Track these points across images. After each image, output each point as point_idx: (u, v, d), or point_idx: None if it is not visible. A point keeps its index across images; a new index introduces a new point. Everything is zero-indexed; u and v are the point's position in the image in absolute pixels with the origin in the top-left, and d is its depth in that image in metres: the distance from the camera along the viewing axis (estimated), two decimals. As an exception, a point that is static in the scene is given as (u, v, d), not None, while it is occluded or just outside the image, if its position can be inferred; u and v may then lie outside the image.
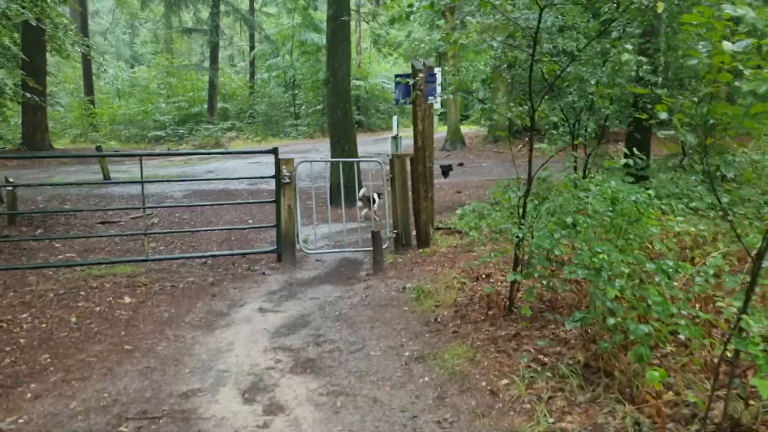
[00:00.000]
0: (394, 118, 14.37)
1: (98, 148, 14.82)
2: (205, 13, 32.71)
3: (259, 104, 35.83)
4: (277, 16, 39.11)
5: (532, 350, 4.25)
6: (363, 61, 39.93)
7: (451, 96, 24.26)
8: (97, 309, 5.76)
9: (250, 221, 10.78)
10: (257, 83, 38.05)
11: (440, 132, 34.62)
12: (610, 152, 11.37)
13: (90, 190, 14.23)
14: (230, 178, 10.24)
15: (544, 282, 4.72)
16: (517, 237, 4.77)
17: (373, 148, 25.67)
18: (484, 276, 6.15)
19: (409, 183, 7.67)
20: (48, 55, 27.49)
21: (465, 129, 29.23)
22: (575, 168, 11.42)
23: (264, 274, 7.03)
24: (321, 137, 33.97)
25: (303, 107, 36.83)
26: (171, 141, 30.17)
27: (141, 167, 7.24)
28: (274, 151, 7.03)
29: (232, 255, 7.60)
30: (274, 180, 7.20)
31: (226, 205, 12.41)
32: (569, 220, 4.76)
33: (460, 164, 19.25)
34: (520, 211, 5.13)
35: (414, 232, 7.88)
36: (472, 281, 6.06)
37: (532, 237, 4.78)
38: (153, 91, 36.93)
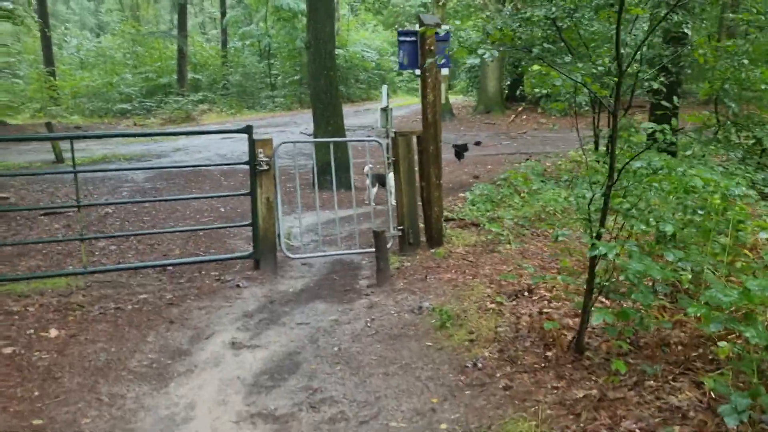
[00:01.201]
0: (384, 87, 12.77)
1: (48, 126, 13.11)
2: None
3: (233, 75, 33.80)
4: (250, -20, 36.90)
5: (637, 431, 2.86)
6: (341, 28, 37.96)
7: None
8: (9, 350, 4.24)
9: (222, 210, 9.25)
10: (230, 52, 35.93)
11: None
12: (635, 124, 9.97)
13: (38, 173, 12.52)
14: (200, 165, 8.66)
15: (637, 318, 3.32)
16: (597, 254, 3.33)
17: (355, 120, 24.09)
18: (524, 292, 4.73)
19: (416, 167, 6.20)
20: (-1, 22, 25.40)
21: (452, 98, 27.66)
22: (596, 143, 10.03)
23: (238, 286, 5.55)
24: (299, 109, 32.18)
25: (279, 78, 34.89)
26: (138, 114, 28.20)
27: (72, 152, 5.63)
28: (248, 131, 5.49)
29: (199, 263, 6.08)
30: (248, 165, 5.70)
31: (196, 190, 10.84)
32: (668, 228, 3.34)
33: (477, 143, 16.82)
34: (595, 215, 3.67)
35: (422, 228, 6.43)
36: (510, 299, 4.65)
37: (618, 255, 3.34)
38: (118, 61, 34.69)
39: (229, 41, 36.93)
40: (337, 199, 9.64)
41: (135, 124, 25.92)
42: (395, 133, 6.11)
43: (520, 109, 24.45)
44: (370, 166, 10.72)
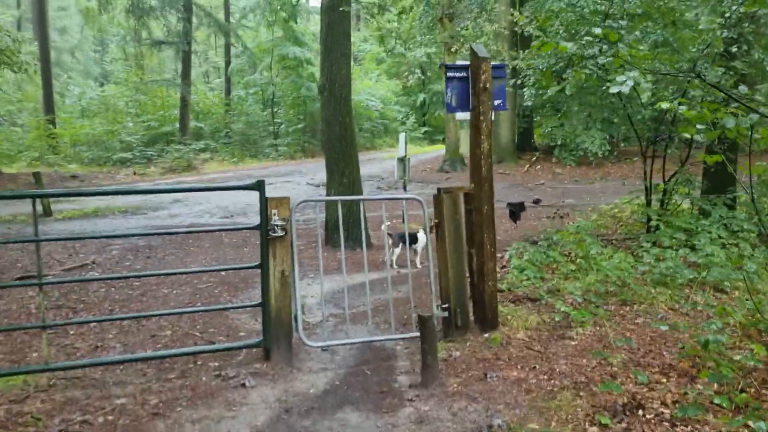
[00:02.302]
0: (402, 135, 11.80)
1: (35, 176, 12.02)
2: (175, 22, 29.96)
3: (236, 123, 33.07)
4: (255, 29, 36.59)
5: None
6: (347, 76, 37.42)
7: (451, 111, 21.77)
8: None
9: (224, 273, 8.06)
10: (233, 100, 35.33)
11: (436, 151, 32.26)
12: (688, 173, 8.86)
13: (24, 227, 11.39)
14: (201, 230, 7.54)
15: None
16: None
17: (364, 170, 23.11)
18: (634, 408, 3.51)
19: (464, 231, 5.04)
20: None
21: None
22: (647, 194, 8.92)
23: (244, 385, 4.32)
24: (303, 158, 31.34)
25: (283, 126, 34.19)
26: (138, 163, 27.28)
27: (35, 216, 4.47)
28: (259, 187, 4.36)
29: (194, 354, 4.85)
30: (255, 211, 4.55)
31: (194, 248, 9.68)
32: None
33: (536, 201, 14.45)
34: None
35: (468, 304, 5.24)
36: (617, 419, 3.42)
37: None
38: (120, 109, 34.01)
39: (233, 90, 36.40)
40: (352, 261, 8.50)
41: (135, 174, 24.96)
42: (438, 189, 4.99)
43: (533, 158, 23.51)
44: (388, 224, 9.59)
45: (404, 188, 11.61)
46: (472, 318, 5.15)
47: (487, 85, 4.68)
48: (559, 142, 22.38)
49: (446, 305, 4.95)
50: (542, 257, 6.85)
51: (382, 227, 10.26)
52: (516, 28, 21.30)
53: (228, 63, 35.36)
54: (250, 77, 35.76)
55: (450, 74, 4.79)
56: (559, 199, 15.34)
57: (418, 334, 4.86)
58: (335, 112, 9.47)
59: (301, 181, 19.57)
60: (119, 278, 7.12)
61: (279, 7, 31.07)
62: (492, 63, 4.72)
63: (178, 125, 30.48)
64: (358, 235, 9.48)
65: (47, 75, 30.50)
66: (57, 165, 26.16)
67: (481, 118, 4.73)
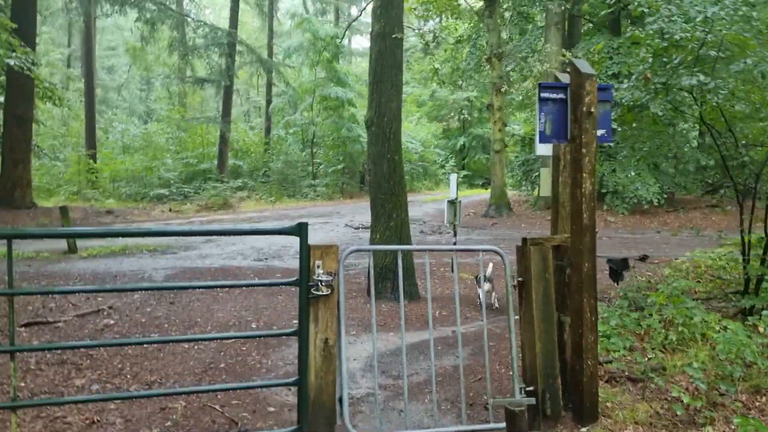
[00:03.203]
0: (452, 176, 10.84)
1: (62, 211, 11.36)
2: (217, 59, 29.88)
3: (275, 162, 32.65)
4: (297, 69, 36.49)
5: None
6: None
7: (497, 152, 20.89)
8: None
9: (254, 325, 7.09)
10: (273, 139, 35.03)
11: (477, 195, 31.19)
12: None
13: (45, 265, 10.65)
14: (229, 284, 6.68)
15: None
16: None
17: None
18: None
19: (553, 293, 3.98)
20: (41, 103, 24.74)
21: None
22: (745, 248, 7.69)
23: (270, 491, 3.29)
24: (341, 199, 30.62)
25: (322, 166, 33.66)
26: (175, 200, 26.89)
27: (9, 262, 3.53)
28: (300, 232, 3.39)
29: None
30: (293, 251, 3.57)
31: (224, 293, 8.76)
32: None
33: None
34: None
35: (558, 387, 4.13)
36: None
37: None
38: (161, 146, 33.97)
39: (273, 129, 36.17)
40: (398, 316, 7.46)
41: (170, 210, 24.50)
42: (524, 239, 3.96)
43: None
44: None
45: (454, 233, 10.58)
46: (562, 403, 4.04)
47: (592, 110, 3.68)
48: (611, 189, 21.22)
49: (531, 388, 3.85)
50: (631, 322, 5.71)
51: (483, 276, 9.21)
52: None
53: (269, 102, 35.21)
54: (291, 117, 35.52)
55: (545, 95, 3.80)
56: (635, 252, 14.08)
57: (495, 426, 3.77)
58: (383, 148, 8.58)
59: (340, 222, 18.70)
60: (127, 344, 6.17)
61: (323, 48, 30.83)
62: (598, 83, 3.73)
63: (216, 162, 30.16)
64: (407, 286, 8.50)
65: (91, 111, 30.69)
66: (94, 200, 25.91)
67: (584, 150, 3.71)
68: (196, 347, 6.13)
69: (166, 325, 7.02)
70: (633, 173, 20.44)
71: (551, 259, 3.95)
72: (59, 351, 5.91)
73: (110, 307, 7.68)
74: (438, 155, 46.30)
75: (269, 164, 32.57)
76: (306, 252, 3.44)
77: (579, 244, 3.76)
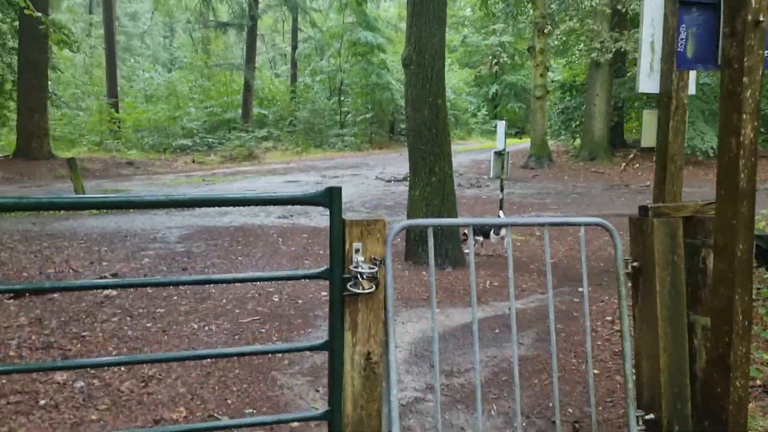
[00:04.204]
0: (500, 123, 9.62)
1: (70, 162, 10.40)
2: (240, 0, 28.41)
3: (301, 111, 31.40)
4: (324, 13, 34.81)
5: None
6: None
7: (538, 98, 19.43)
8: None
9: (276, 298, 6.10)
10: (299, 87, 33.70)
11: (512, 144, 29.74)
12: None
13: (48, 222, 9.78)
14: (245, 278, 5.64)
15: None
16: None
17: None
18: None
19: (684, 286, 2.84)
20: (59, 50, 23.76)
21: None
22: None
23: None
24: (370, 149, 29.41)
25: (350, 115, 32.34)
26: (198, 151, 25.97)
27: None
28: (330, 201, 2.29)
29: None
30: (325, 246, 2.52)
31: (243, 257, 7.80)
32: None
33: None
34: None
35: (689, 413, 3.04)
36: None
37: None
38: (184, 95, 32.91)
39: (299, 76, 34.80)
40: (442, 287, 6.39)
41: (194, 161, 23.63)
42: (643, 207, 2.82)
43: (631, 156, 20.77)
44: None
45: (501, 188, 9.41)
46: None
47: (761, 18, 2.47)
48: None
49: (651, 415, 2.77)
50: None
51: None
52: (618, 6, 18.74)
53: (294, 47, 33.75)
54: (318, 64, 34.08)
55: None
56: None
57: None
58: (424, 90, 7.38)
59: (370, 174, 17.60)
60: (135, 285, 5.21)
61: (352, -11, 29.17)
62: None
63: (240, 112, 29.07)
64: (451, 250, 7.43)
65: (111, 58, 29.67)
66: (116, 151, 25.09)
67: (745, 79, 2.52)
68: (207, 328, 5.16)
69: (176, 297, 6.07)
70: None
71: (681, 236, 2.80)
72: (46, 332, 5.01)
73: (114, 275, 6.76)
74: (470, 103, 44.62)
75: (295, 113, 31.37)
76: (339, 230, 2.35)
77: (730, 215, 2.60)
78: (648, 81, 3.82)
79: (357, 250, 2.39)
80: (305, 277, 2.46)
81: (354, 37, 29.84)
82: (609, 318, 5.39)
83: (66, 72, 32.75)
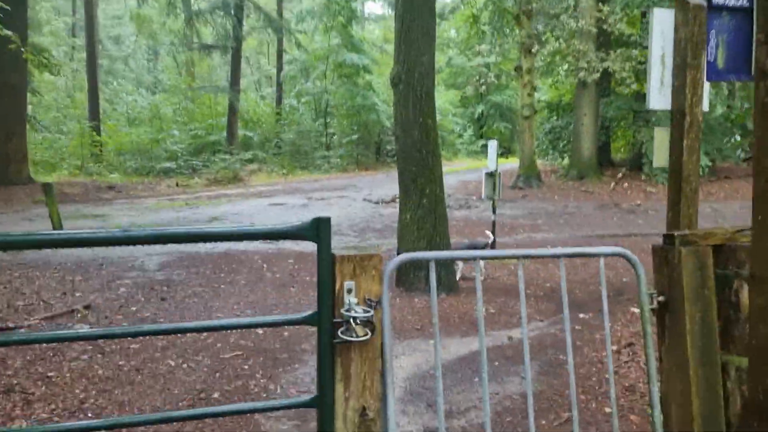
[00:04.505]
0: (491, 143, 9.37)
1: (45, 189, 9.97)
2: (225, 23, 28.21)
3: (287, 133, 31.12)
4: (309, 35, 34.72)
5: None
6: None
7: (526, 118, 19.31)
8: None
9: (261, 331, 5.74)
10: (285, 109, 33.47)
11: (506, 163, 29.60)
12: None
13: (23, 252, 9.35)
14: (229, 327, 5.16)
15: None
16: None
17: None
18: None
19: (716, 322, 2.54)
20: (38, 72, 23.44)
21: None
22: None
23: None
24: (356, 171, 29.16)
25: (336, 137, 32.10)
26: (183, 174, 25.54)
27: None
28: (317, 232, 1.97)
29: None
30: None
31: (226, 285, 7.44)
32: None
33: None
34: None
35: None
36: None
37: None
38: (168, 117, 32.53)
39: (285, 98, 34.59)
40: (444, 315, 6.06)
41: (177, 184, 23.18)
42: (669, 236, 2.52)
43: (620, 175, 20.66)
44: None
45: (493, 210, 9.13)
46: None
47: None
48: (650, 158, 19.58)
49: (683, 470, 2.45)
50: None
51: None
52: (604, 26, 18.73)
53: (280, 69, 33.55)
54: (303, 85, 33.90)
55: (717, 2, 2.31)
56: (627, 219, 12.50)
57: None
58: (414, 111, 7.11)
59: (357, 197, 17.28)
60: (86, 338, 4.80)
61: (337, 12, 29.06)
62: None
63: (225, 134, 28.75)
64: (444, 276, 7.11)
65: (93, 81, 29.29)
66: (97, 174, 24.60)
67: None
68: (185, 366, 4.79)
69: (161, 314, 5.70)
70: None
71: (711, 267, 2.51)
72: (9, 373, 4.61)
73: (86, 306, 6.36)
74: (456, 124, 44.64)
75: (281, 135, 31.08)
76: (328, 268, 2.03)
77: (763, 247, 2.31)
78: (659, 96, 3.57)
79: (349, 290, 2.06)
80: (289, 323, 2.13)
81: (339, 59, 29.73)
82: (614, 347, 5.08)
83: (47, 95, 32.33)
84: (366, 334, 2.02)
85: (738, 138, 21.45)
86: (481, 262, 7.77)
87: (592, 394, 4.10)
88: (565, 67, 22.76)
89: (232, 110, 27.99)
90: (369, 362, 2.12)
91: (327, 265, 2.03)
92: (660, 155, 3.64)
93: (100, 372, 4.65)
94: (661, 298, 2.50)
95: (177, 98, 33.74)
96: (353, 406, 2.13)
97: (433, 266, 2.34)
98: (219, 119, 30.73)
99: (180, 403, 4.11)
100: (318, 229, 2.01)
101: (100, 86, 34.96)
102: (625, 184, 19.94)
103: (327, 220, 2.02)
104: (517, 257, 2.44)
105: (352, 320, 1.99)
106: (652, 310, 2.51)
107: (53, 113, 33.39)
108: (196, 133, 29.74)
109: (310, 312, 2.04)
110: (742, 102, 21.86)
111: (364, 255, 2.08)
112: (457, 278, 7.53)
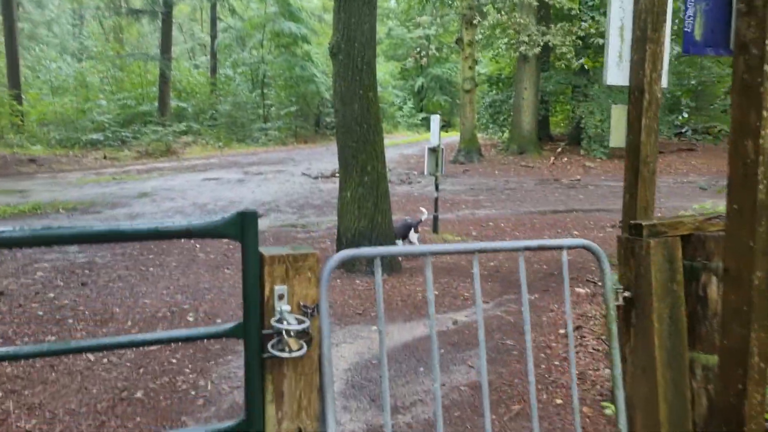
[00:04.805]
0: (434, 118, 9.11)
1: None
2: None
3: (222, 104, 30.09)
4: (245, 2, 33.50)
5: None
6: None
7: (467, 91, 19.17)
8: None
9: (191, 318, 5.35)
10: (220, 80, 32.33)
11: (446, 137, 29.49)
12: None
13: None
14: (137, 343, 4.94)
15: None
16: None
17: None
18: None
19: (684, 320, 2.35)
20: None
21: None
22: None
23: None
24: (295, 144, 28.55)
25: (274, 109, 31.27)
26: (111, 146, 24.31)
27: None
28: (241, 228, 1.64)
29: None
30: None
31: (155, 267, 6.97)
32: None
33: None
34: None
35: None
36: None
37: None
38: (95, 86, 30.87)
39: (220, 68, 33.39)
40: (387, 298, 5.81)
41: (105, 157, 22.06)
42: (634, 224, 2.31)
43: (559, 149, 20.87)
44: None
45: (436, 187, 8.91)
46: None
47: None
48: (588, 133, 19.82)
49: (647, 478, 2.26)
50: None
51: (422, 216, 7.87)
52: None
53: (214, 37, 32.30)
54: (239, 55, 32.79)
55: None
56: (568, 195, 12.59)
57: None
58: (354, 83, 6.75)
59: (295, 171, 16.81)
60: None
61: (273, -23, 28.11)
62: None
63: (157, 104, 27.50)
64: (386, 257, 6.85)
65: (12, 45, 27.37)
66: (18, 146, 23.12)
67: (766, 67, 2.03)
68: (105, 361, 4.37)
69: (71, 320, 5.22)
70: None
71: (680, 260, 2.31)
72: None
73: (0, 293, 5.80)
74: (396, 96, 44.33)
75: (216, 106, 30.03)
76: (256, 271, 1.71)
77: (745, 236, 2.12)
78: (617, 71, 3.34)
79: (281, 296, 1.75)
80: (210, 336, 1.80)
81: (277, 28, 28.85)
82: (562, 331, 4.94)
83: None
84: (301, 348, 1.71)
85: (686, 115, 21.91)
86: (414, 237, 7.58)
87: (542, 384, 3.94)
88: (506, 40, 22.72)
89: (164, 79, 26.76)
90: (305, 378, 1.81)
91: (254, 267, 1.70)
92: (617, 135, 3.43)
93: (8, 370, 4.19)
94: (626, 294, 2.29)
95: (104, 66, 32.05)
96: (287, 429, 1.83)
97: (378, 263, 2.05)
98: (150, 89, 29.40)
99: (98, 405, 3.71)
100: (242, 226, 1.68)
101: (21, 52, 32.83)
102: (565, 159, 20.16)
103: (253, 215, 1.69)
104: (473, 251, 2.17)
105: (285, 333, 1.68)
106: (617, 306, 2.30)
107: (-32, 80, 31.17)
108: (126, 103, 28.35)
109: (233, 323, 1.72)
110: (689, 78, 22.30)
111: (297, 254, 1.76)
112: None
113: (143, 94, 29.11)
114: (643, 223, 2.26)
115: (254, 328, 1.71)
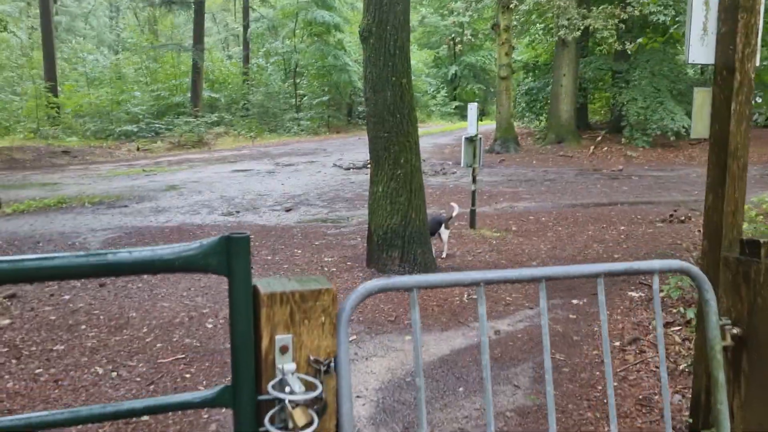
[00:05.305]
0: (472, 106, 8.57)
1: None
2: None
3: (254, 94, 29.87)
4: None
5: None
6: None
7: (504, 78, 18.50)
8: None
9: (210, 325, 4.96)
10: (252, 69, 32.09)
11: (480, 126, 28.82)
12: None
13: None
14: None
15: None
16: None
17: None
18: None
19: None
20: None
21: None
22: None
23: None
24: (327, 134, 28.17)
25: (306, 98, 30.94)
26: (144, 137, 24.28)
27: None
28: (227, 261, 1.18)
29: None
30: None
31: (174, 276, 6.58)
32: None
33: None
34: None
35: None
36: None
37: None
38: (130, 78, 30.96)
39: (252, 58, 33.15)
40: (420, 303, 5.31)
41: (138, 149, 22.01)
42: (746, 241, 1.79)
43: (598, 138, 20.05)
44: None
45: (473, 180, 8.39)
46: None
47: None
48: (630, 121, 18.95)
49: None
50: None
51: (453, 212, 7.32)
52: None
53: (246, 27, 32.03)
54: (271, 44, 32.50)
55: None
56: (612, 187, 11.82)
57: None
58: (386, 69, 6.26)
59: (327, 162, 16.41)
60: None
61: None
62: None
63: (189, 95, 27.39)
64: (420, 255, 6.37)
65: (48, 39, 27.55)
66: (54, 138, 23.22)
67: None
68: (114, 374, 4.00)
69: (84, 326, 4.88)
70: (654, 101, 18.20)
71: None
72: None
73: (10, 296, 5.50)
74: (429, 85, 43.62)
75: (248, 97, 29.82)
76: (248, 313, 1.25)
77: None
78: (700, 47, 2.81)
79: (283, 349, 1.28)
80: (189, 406, 1.35)
81: (309, 17, 28.44)
82: (617, 343, 4.41)
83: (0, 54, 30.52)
84: (310, 421, 1.25)
85: (759, 100, 20.68)
86: (444, 234, 7.04)
87: (601, 411, 3.42)
88: (543, 25, 21.90)
89: (197, 70, 26.61)
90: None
91: (246, 310, 1.25)
92: (700, 123, 2.89)
93: (9, 384, 3.85)
94: (736, 331, 1.78)
95: (139, 57, 32.13)
96: None
97: (415, 294, 1.57)
98: (183, 80, 29.32)
99: (100, 429, 3.33)
100: (229, 254, 1.22)
101: (59, 45, 33.15)
102: (605, 148, 19.36)
103: (244, 239, 1.23)
104: (540, 278, 1.68)
105: (291, 406, 1.22)
106: (724, 348, 1.78)
107: (6, 73, 31.55)
108: (159, 95, 28.34)
109: (219, 387, 1.27)
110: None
111: (306, 291, 1.30)
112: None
113: (176, 85, 29.05)
114: (762, 241, 1.75)
115: (246, 394, 1.25)
